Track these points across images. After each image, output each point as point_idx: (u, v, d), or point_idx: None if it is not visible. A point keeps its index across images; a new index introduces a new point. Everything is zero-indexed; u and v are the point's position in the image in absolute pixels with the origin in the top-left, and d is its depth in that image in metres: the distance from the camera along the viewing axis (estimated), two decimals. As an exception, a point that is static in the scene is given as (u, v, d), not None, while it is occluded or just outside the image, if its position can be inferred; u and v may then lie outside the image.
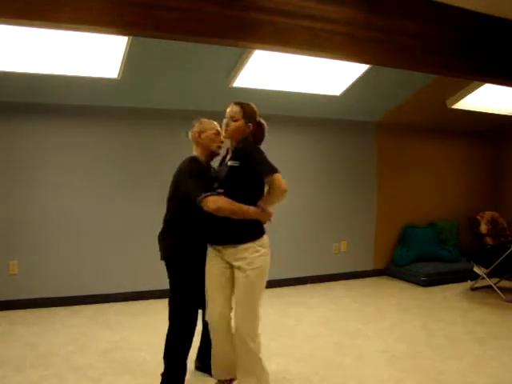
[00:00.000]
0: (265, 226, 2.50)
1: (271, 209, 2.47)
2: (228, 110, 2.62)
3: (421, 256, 5.59)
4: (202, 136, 2.74)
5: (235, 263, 2.40)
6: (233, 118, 2.57)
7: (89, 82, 3.95)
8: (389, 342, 3.43)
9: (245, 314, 2.39)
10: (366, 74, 4.35)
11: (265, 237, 2.45)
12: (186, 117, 4.78)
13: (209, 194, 2.39)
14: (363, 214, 5.68)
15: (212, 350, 2.62)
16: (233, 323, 2.46)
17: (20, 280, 4.19)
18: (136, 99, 4.42)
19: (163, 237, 2.72)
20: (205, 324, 2.78)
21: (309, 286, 5.09)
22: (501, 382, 2.77)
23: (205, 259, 2.60)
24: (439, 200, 6.14)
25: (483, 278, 4.83)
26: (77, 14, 2.05)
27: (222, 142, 2.73)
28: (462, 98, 5.16)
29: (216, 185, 2.50)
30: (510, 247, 4.59)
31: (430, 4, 2.81)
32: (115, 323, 3.86)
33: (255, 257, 2.36)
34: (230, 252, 2.42)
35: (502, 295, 4.61)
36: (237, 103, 2.63)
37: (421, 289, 5.12)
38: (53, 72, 3.75)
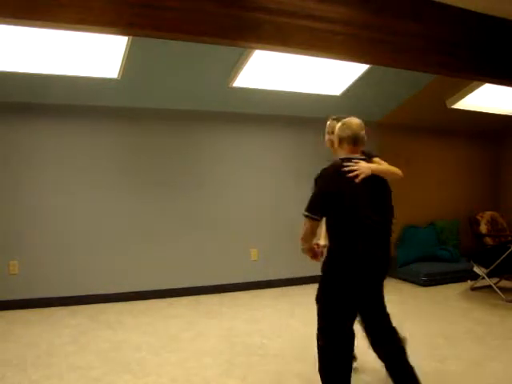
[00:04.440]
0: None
1: None
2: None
3: (421, 256, 5.59)
4: None
5: None
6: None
7: (89, 81, 3.95)
8: None
9: None
10: (366, 74, 4.35)
11: None
12: (186, 117, 4.83)
13: None
14: (363, 214, 5.66)
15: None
16: None
17: (20, 280, 4.19)
18: (136, 99, 4.42)
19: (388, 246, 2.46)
20: None
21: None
22: (501, 382, 2.77)
23: None
24: (439, 200, 6.14)
25: (483, 278, 4.82)
26: (77, 14, 2.05)
27: None
28: (462, 97, 5.16)
29: None
30: (510, 247, 4.59)
31: (430, 4, 2.81)
32: (115, 323, 3.86)
33: None
34: None
35: (502, 295, 4.60)
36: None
37: (421, 289, 5.12)
38: (53, 72, 3.76)
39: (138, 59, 3.71)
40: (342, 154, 2.50)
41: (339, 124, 2.57)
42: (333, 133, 2.66)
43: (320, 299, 2.44)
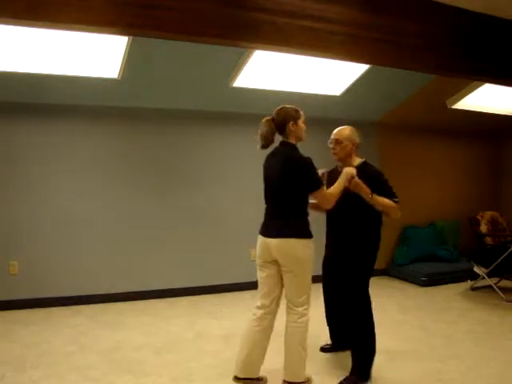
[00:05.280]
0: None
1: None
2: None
3: (421, 256, 5.59)
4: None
5: None
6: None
7: (89, 81, 3.95)
8: (389, 342, 3.43)
9: None
10: (366, 73, 4.36)
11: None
12: (187, 117, 4.83)
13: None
14: (363, 214, 5.66)
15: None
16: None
17: (20, 280, 4.19)
18: (136, 99, 4.42)
19: None
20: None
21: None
22: (501, 382, 2.77)
23: None
24: (439, 200, 6.14)
25: (483, 278, 4.83)
26: (77, 14, 2.05)
27: None
28: (462, 97, 5.16)
29: None
30: (510, 247, 4.59)
31: (429, 4, 2.81)
32: (116, 323, 3.86)
33: None
34: None
35: (502, 295, 4.60)
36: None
37: (421, 289, 5.12)
38: (53, 72, 3.76)
39: (138, 59, 3.71)
40: (358, 159, 2.94)
41: (352, 131, 2.92)
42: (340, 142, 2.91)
43: (361, 273, 2.86)
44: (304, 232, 2.55)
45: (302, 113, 2.66)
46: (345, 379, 2.72)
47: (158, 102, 4.53)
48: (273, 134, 2.61)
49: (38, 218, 4.28)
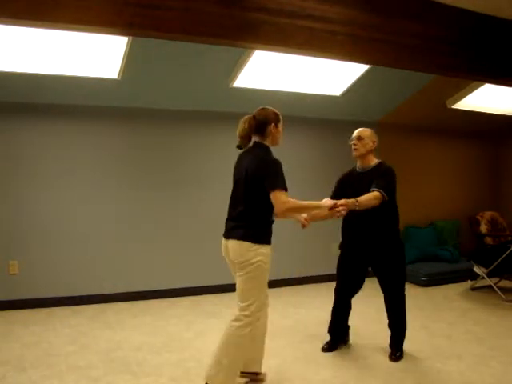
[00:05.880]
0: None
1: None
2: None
3: (421, 256, 5.59)
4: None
5: None
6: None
7: (89, 82, 3.95)
8: (389, 342, 3.43)
9: None
10: (366, 73, 4.36)
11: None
12: (186, 117, 4.83)
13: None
14: (363, 214, 5.66)
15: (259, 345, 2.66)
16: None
17: (20, 280, 4.19)
18: (136, 99, 4.42)
19: None
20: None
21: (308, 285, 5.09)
22: (501, 382, 2.77)
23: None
24: (439, 200, 6.14)
25: (483, 278, 4.83)
26: (77, 14, 2.05)
27: None
28: (462, 98, 5.17)
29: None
30: (510, 247, 4.60)
31: (429, 4, 2.81)
32: (115, 323, 3.86)
33: None
34: None
35: (502, 295, 4.60)
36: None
37: (421, 289, 5.12)
38: (53, 72, 3.76)
39: (138, 59, 3.71)
40: (375, 159, 3.17)
41: (372, 133, 3.24)
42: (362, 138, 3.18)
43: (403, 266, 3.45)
44: (259, 237, 2.41)
45: (281, 117, 2.61)
46: (394, 355, 3.11)
47: (158, 102, 4.53)
48: (251, 134, 2.52)
49: (38, 217, 4.28)
